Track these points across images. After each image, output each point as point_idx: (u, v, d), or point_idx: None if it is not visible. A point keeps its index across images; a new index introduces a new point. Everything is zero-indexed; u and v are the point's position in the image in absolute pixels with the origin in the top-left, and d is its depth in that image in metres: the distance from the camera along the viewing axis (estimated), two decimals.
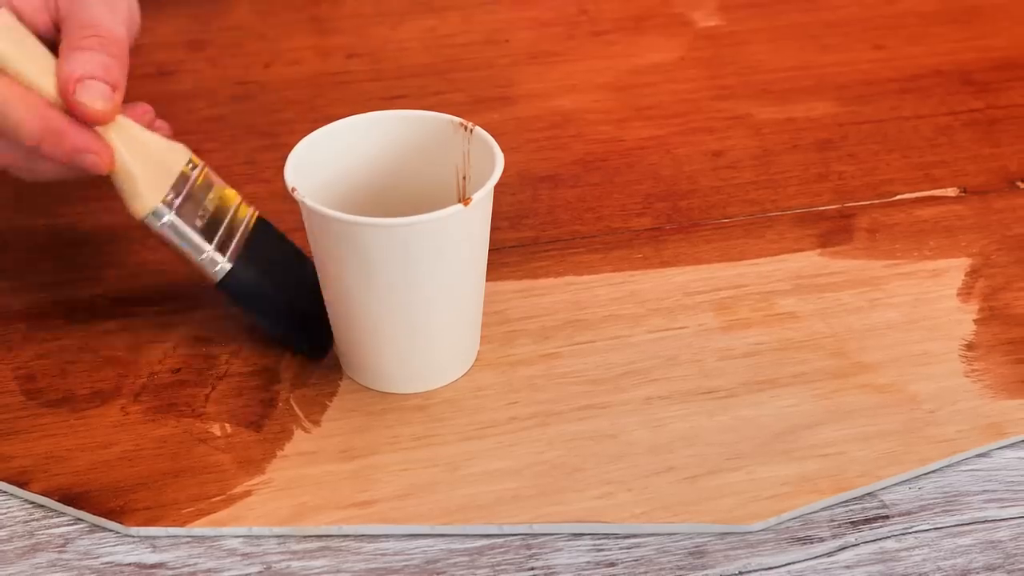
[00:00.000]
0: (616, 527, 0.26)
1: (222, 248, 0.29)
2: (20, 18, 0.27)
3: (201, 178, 0.29)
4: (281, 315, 0.29)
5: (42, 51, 0.27)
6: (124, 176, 0.28)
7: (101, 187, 0.37)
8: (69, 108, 0.26)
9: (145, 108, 0.29)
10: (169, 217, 0.28)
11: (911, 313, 0.31)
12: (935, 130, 0.39)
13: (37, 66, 0.27)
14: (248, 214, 0.30)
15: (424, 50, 0.43)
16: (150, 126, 0.29)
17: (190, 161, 0.29)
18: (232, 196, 0.30)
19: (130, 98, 0.43)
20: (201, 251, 0.28)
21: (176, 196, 0.28)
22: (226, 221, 0.29)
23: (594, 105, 0.40)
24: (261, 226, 0.30)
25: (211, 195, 0.29)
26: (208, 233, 0.29)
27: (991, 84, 0.40)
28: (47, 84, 0.27)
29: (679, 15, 0.45)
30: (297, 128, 0.30)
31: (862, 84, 0.41)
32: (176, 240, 0.28)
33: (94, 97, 0.26)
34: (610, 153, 0.38)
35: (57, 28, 0.27)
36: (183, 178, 0.29)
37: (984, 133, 0.38)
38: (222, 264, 0.28)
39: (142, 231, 0.35)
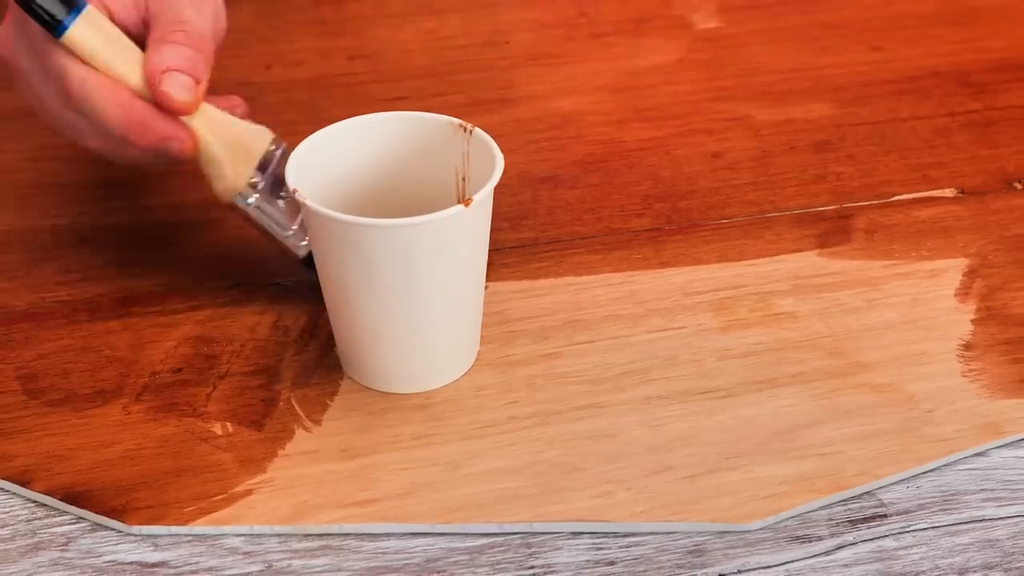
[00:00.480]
0: (615, 526, 0.26)
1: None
2: (110, 15, 0.29)
3: (284, 158, 0.30)
4: None
5: (129, 45, 0.29)
6: (208, 161, 0.29)
7: (103, 188, 0.37)
8: (154, 98, 0.28)
9: (236, 101, 0.30)
10: (254, 199, 0.29)
11: (909, 313, 0.31)
12: (933, 131, 0.39)
13: (124, 59, 0.28)
14: None
15: (425, 52, 0.43)
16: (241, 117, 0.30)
17: (272, 141, 0.30)
18: None
19: None
20: (287, 229, 0.30)
21: (260, 178, 0.29)
22: None
23: (594, 107, 0.40)
24: None
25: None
26: (292, 211, 0.30)
27: (989, 85, 0.41)
28: (134, 76, 0.28)
29: (678, 17, 0.45)
30: (299, 129, 0.30)
31: (860, 86, 0.41)
32: (263, 220, 0.30)
33: (178, 88, 0.28)
34: (610, 154, 0.38)
35: (146, 25, 0.29)
36: (266, 159, 0.30)
37: (981, 134, 0.39)
38: (306, 241, 0.30)
39: (145, 232, 0.35)
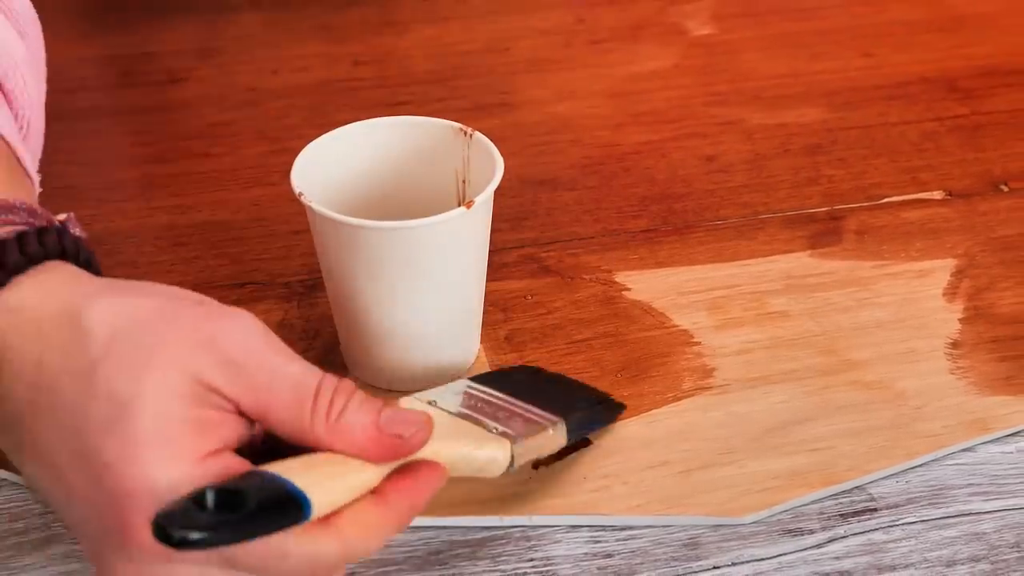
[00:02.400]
0: (613, 519, 0.27)
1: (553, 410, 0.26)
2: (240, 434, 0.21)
3: (442, 401, 0.25)
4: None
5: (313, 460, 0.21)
6: (466, 460, 0.24)
7: (112, 190, 0.38)
8: (398, 455, 0.22)
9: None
10: (517, 446, 0.24)
11: (898, 312, 0.32)
12: (921, 135, 0.39)
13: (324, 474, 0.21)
14: (470, 384, 0.26)
15: (427, 58, 0.44)
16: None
17: (417, 399, 0.25)
18: (448, 391, 0.26)
19: (137, 104, 0.44)
20: (547, 425, 0.25)
21: (498, 424, 0.25)
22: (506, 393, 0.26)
23: (591, 111, 0.41)
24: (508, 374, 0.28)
25: (458, 399, 0.26)
26: (534, 419, 0.25)
27: (975, 91, 0.41)
28: (359, 480, 0.21)
29: (674, 24, 0.46)
30: (304, 133, 0.30)
31: (851, 91, 0.42)
32: (535, 446, 0.25)
33: (406, 424, 0.22)
34: (607, 157, 0.39)
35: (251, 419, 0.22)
36: (475, 408, 0.25)
37: (969, 138, 0.39)
38: (558, 420, 0.26)
39: (154, 233, 0.36)
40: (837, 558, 0.26)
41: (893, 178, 0.38)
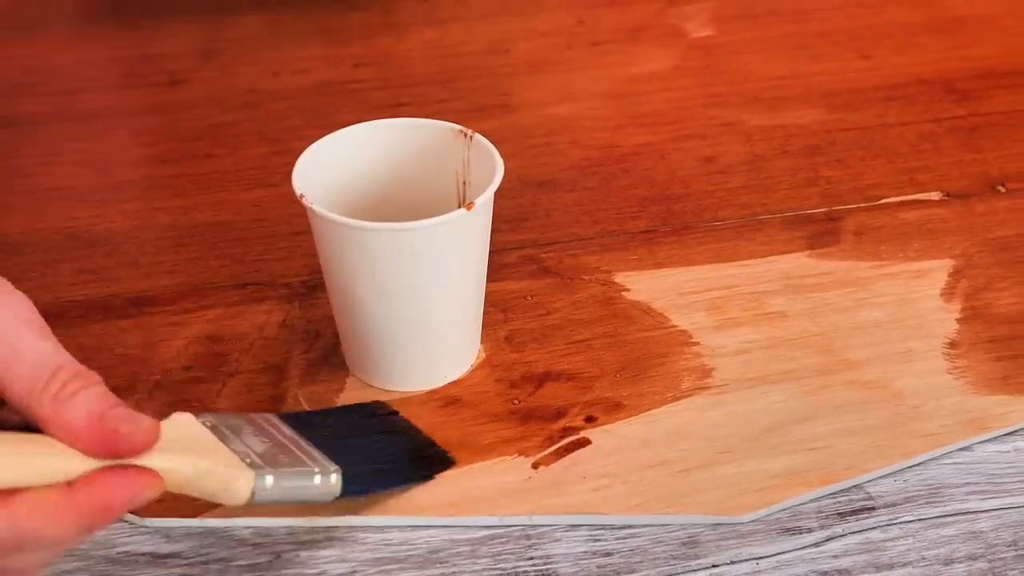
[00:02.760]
0: (612, 518, 0.27)
1: (317, 458, 0.24)
2: None
3: (225, 425, 0.24)
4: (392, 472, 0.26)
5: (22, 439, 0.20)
6: (199, 479, 0.22)
7: (114, 190, 0.38)
8: (113, 451, 0.21)
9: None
10: (267, 476, 0.23)
11: (896, 312, 0.32)
12: (919, 136, 0.40)
13: (26, 459, 0.20)
14: (270, 418, 0.25)
15: (428, 60, 0.44)
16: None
17: (200, 418, 0.23)
18: (244, 418, 0.25)
19: (139, 106, 0.45)
20: (314, 470, 0.24)
21: (250, 455, 0.23)
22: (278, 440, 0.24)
23: (591, 112, 0.41)
24: (303, 417, 0.26)
25: (250, 428, 0.24)
26: (300, 452, 0.24)
27: (973, 92, 0.42)
28: (56, 466, 0.20)
29: (673, 26, 0.46)
30: (305, 134, 0.30)
31: (849, 92, 0.42)
32: (290, 491, 0.23)
33: (130, 422, 0.21)
34: (606, 159, 0.39)
35: None
36: (222, 435, 0.23)
37: (966, 139, 0.39)
38: (334, 469, 0.24)
39: (157, 233, 0.36)
40: (835, 556, 0.26)
41: (891, 179, 0.38)
